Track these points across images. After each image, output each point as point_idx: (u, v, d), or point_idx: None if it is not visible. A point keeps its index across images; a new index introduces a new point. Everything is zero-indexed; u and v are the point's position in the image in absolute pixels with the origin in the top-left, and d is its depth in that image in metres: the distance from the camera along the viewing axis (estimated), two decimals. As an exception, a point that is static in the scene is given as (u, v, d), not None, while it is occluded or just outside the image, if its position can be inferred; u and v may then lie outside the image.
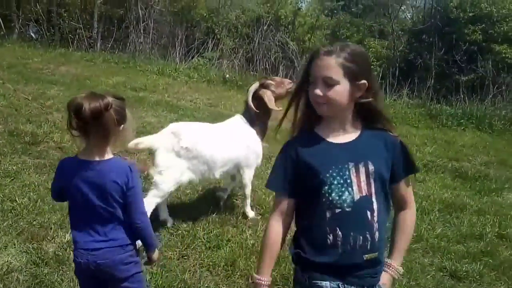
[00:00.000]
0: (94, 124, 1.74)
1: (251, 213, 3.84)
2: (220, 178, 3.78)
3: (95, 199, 1.82)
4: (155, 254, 2.01)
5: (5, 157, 4.37)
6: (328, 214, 1.52)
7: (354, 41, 11.23)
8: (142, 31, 11.74)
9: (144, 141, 3.28)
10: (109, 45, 11.90)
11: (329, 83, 1.49)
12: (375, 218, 1.51)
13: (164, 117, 6.43)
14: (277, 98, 3.66)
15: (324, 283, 1.54)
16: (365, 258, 1.51)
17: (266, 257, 1.63)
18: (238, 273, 3.01)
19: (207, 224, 3.59)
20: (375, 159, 1.53)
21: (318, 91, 1.50)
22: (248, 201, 3.83)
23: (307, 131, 1.60)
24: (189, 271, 2.96)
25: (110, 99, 1.76)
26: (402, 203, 1.63)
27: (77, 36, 11.68)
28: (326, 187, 1.51)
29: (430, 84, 9.14)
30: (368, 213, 1.50)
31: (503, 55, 10.28)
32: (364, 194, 1.51)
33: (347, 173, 1.51)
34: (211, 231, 3.49)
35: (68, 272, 2.74)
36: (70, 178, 1.83)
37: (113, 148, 1.90)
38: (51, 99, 6.57)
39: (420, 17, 11.80)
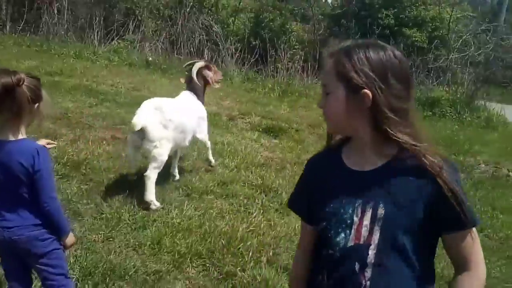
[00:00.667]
0: (6, 100, 1.73)
1: (213, 161, 4.65)
2: (189, 145, 4.26)
3: (3, 179, 1.82)
4: (68, 239, 2.02)
5: None
6: (323, 252, 1.30)
7: (277, 25, 11.50)
8: (56, 12, 11.08)
9: (136, 123, 3.53)
10: (20, 28, 11.11)
11: (326, 92, 1.27)
12: (367, 275, 1.20)
13: (83, 102, 6.21)
14: (211, 80, 4.38)
15: None
16: None
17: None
18: (164, 251, 3.09)
19: (132, 207, 3.60)
20: (391, 202, 1.20)
21: (320, 104, 1.30)
22: (210, 151, 4.58)
23: (334, 148, 1.36)
24: (114, 252, 2.99)
25: (22, 75, 1.76)
26: (458, 262, 1.23)
27: (-17, 18, 10.79)
28: (325, 223, 1.28)
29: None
30: (357, 265, 1.21)
31: (413, 38, 11.06)
32: (361, 242, 1.21)
33: (350, 211, 1.24)
34: (136, 213, 3.52)
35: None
36: None
37: (27, 128, 1.89)
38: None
39: (339, 1, 12.34)
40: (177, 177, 4.33)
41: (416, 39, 11.11)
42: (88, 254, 2.87)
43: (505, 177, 6.03)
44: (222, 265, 3.00)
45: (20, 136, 1.86)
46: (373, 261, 1.19)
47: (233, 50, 10.05)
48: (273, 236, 3.48)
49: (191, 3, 10.78)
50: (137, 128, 3.54)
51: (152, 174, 3.70)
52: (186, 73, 4.51)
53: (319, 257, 1.31)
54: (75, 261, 2.77)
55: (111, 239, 3.16)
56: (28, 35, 10.65)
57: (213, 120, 6.52)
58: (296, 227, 3.66)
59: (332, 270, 1.25)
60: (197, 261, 3.04)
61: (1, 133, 1.83)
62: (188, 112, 4.07)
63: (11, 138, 1.83)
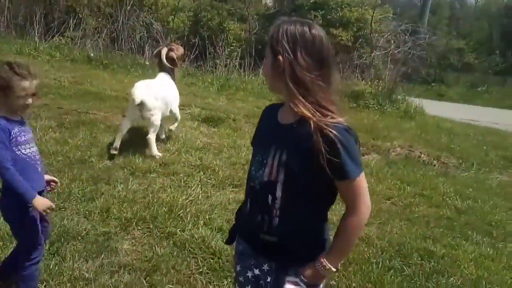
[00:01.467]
0: None
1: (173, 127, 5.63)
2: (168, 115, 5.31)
3: None
4: (36, 202, 2.21)
5: None
6: (248, 184, 1.65)
7: (215, 24, 12.06)
8: (-6, 9, 10.94)
9: (137, 98, 4.66)
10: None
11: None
12: (276, 205, 1.53)
13: (27, 95, 6.42)
14: (178, 58, 5.41)
15: (239, 245, 1.76)
16: (261, 237, 1.59)
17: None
18: (112, 217, 3.54)
19: (81, 183, 4.01)
20: (291, 151, 1.51)
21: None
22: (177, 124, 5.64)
23: (279, 103, 1.67)
24: (67, 218, 3.40)
25: None
26: (346, 204, 1.55)
27: None
28: (253, 160, 1.63)
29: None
30: (270, 197, 1.54)
31: (339, 37, 12.00)
32: (272, 179, 1.53)
33: (266, 154, 1.56)
34: (85, 188, 3.94)
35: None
36: None
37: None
38: None
39: (273, 3, 13.14)
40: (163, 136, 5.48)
41: (342, 38, 12.07)
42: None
43: (416, 158, 6.85)
44: (164, 227, 3.49)
45: None
46: (280, 195, 1.52)
47: (182, 50, 10.46)
48: (210, 205, 4.01)
49: (131, 2, 11.05)
50: (138, 101, 4.66)
51: (152, 136, 4.92)
52: (154, 58, 5.68)
53: (247, 187, 1.67)
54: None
55: (63, 208, 3.56)
56: (-37, 31, 10.47)
57: (155, 112, 6.96)
58: (230, 198, 4.23)
59: (253, 199, 1.62)
60: (142, 225, 3.51)
61: None
62: (167, 89, 5.18)
63: None
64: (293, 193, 1.52)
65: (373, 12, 11.56)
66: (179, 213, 3.73)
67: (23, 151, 2.24)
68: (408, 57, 10.78)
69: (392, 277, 3.20)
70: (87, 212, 3.57)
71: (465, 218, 4.53)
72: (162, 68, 5.32)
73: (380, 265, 3.32)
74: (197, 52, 10.76)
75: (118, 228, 3.42)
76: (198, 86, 9.54)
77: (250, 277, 1.70)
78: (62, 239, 3.13)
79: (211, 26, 11.65)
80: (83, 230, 3.29)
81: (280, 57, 1.48)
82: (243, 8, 12.16)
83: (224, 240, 3.19)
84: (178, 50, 5.49)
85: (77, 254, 2.99)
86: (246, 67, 10.47)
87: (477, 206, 4.89)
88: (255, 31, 11.75)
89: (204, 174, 4.73)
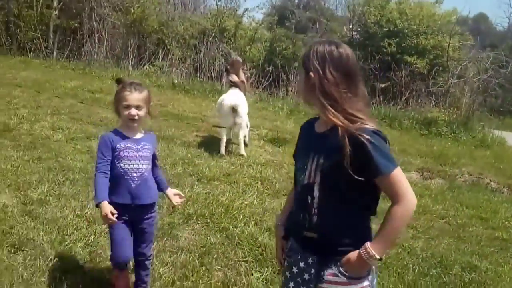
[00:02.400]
0: None
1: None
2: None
3: None
4: (100, 207, 2.34)
5: (-16, 141, 5.24)
6: (295, 189, 1.87)
7: (290, 53, 12.69)
8: (96, 42, 12.57)
9: (236, 105, 5.93)
10: (65, 55, 12.62)
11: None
12: (315, 204, 1.70)
13: (119, 113, 7.40)
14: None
15: (289, 242, 1.92)
16: (304, 234, 1.76)
17: (285, 205, 2.07)
18: (177, 212, 4.06)
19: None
20: (327, 155, 1.68)
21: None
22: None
23: (315, 117, 1.87)
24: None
25: None
26: (390, 197, 1.66)
27: (34, 46, 12.35)
28: (296, 168, 1.84)
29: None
30: (309, 198, 1.71)
31: (414, 65, 11.98)
32: (310, 181, 1.71)
33: (306, 160, 1.73)
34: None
35: (48, 208, 3.73)
36: None
37: None
38: (16, 98, 7.40)
39: (348, 32, 13.54)
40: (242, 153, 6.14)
41: (417, 65, 12.01)
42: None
43: (484, 185, 6.66)
44: (219, 223, 3.93)
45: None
46: (318, 194, 1.70)
47: (249, 74, 11.26)
48: (262, 209, 4.39)
49: (213, 34, 12.08)
50: (237, 107, 5.89)
51: (242, 137, 6.06)
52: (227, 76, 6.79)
53: (294, 193, 1.88)
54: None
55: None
56: (72, 60, 12.14)
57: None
58: (282, 204, 4.58)
59: (297, 201, 1.81)
60: (201, 220, 3.98)
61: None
62: (243, 101, 6.25)
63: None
64: (328, 193, 1.69)
65: (450, 39, 11.42)
66: (234, 213, 4.16)
67: (122, 165, 2.40)
68: (489, 85, 10.45)
69: (428, 282, 3.33)
70: (157, 207, 4.13)
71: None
72: (233, 85, 6.37)
73: (416, 271, 3.46)
74: (270, 79, 11.41)
75: (181, 221, 3.92)
76: (268, 110, 10.09)
77: (295, 272, 1.82)
78: (134, 225, 3.70)
79: (285, 55, 12.28)
80: (152, 219, 3.84)
81: (311, 74, 1.68)
82: (317, 37, 12.69)
83: (270, 238, 3.66)
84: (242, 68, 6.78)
85: (144, 236, 3.52)
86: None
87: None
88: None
89: (262, 184, 5.13)
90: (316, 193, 1.70)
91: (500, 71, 10.81)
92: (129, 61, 12.02)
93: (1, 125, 5.79)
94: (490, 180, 6.85)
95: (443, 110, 10.04)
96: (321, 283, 1.74)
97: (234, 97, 6.06)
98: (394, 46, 12.29)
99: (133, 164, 2.43)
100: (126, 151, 2.40)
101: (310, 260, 1.77)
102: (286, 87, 11.11)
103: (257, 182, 5.17)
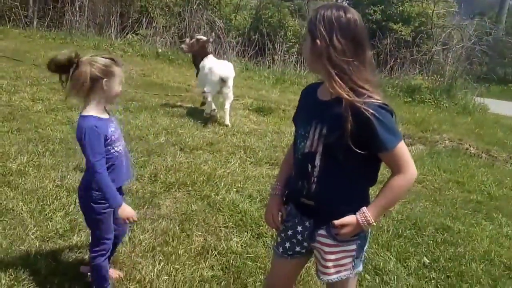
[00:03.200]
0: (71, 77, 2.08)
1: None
2: None
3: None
4: (121, 211, 2.19)
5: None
6: (294, 155, 1.82)
7: (276, 20, 12.54)
8: (77, 10, 12.27)
9: (231, 75, 6.17)
10: (45, 24, 12.33)
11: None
12: (315, 173, 1.70)
13: (100, 83, 7.33)
14: None
15: (288, 206, 1.92)
16: (301, 201, 1.78)
17: (281, 169, 2.01)
18: (159, 181, 4.11)
19: (136, 154, 4.65)
20: (330, 126, 1.65)
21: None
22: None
23: (319, 82, 1.80)
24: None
25: (73, 54, 2.11)
26: (391, 169, 1.67)
27: (13, 15, 12.02)
28: (296, 134, 1.79)
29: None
30: (309, 166, 1.71)
31: (399, 32, 11.94)
32: (312, 150, 1.69)
33: (308, 128, 1.71)
34: (139, 158, 4.56)
35: (28, 178, 3.74)
36: None
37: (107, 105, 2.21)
38: (-6, 68, 7.28)
39: (334, -1, 13.38)
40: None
41: (402, 33, 11.97)
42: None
43: (464, 150, 6.81)
44: (201, 191, 3.98)
45: (88, 112, 2.13)
46: (319, 163, 1.69)
47: (234, 43, 11.14)
48: (244, 177, 4.45)
49: (198, 1, 11.85)
50: (227, 80, 6.09)
51: (228, 107, 6.20)
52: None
53: (293, 159, 1.84)
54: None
55: (119, 172, 4.21)
56: (53, 30, 11.87)
57: (210, 101, 7.57)
58: (264, 173, 4.67)
59: (297, 168, 1.80)
60: (182, 188, 4.03)
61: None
62: (233, 73, 6.32)
63: (83, 113, 2.14)
64: (330, 163, 1.68)
65: (434, 6, 11.36)
66: (216, 181, 4.22)
67: (116, 148, 2.24)
68: (473, 53, 10.48)
69: (401, 243, 3.45)
70: (138, 176, 4.15)
71: (496, 203, 4.60)
72: (205, 54, 6.40)
73: (390, 232, 3.58)
74: (256, 48, 11.31)
75: (163, 189, 3.96)
76: (254, 79, 10.07)
77: (290, 234, 1.89)
78: (115, 194, 3.74)
79: (271, 23, 12.14)
80: (134, 188, 3.87)
81: (318, 41, 1.60)
82: (303, 4, 12.52)
83: (251, 205, 3.73)
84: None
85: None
86: (302, 62, 10.83)
87: (512, 194, 4.91)
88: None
89: (245, 153, 5.18)
90: (317, 162, 1.69)
91: (483, 39, 10.83)
92: (111, 30, 11.79)
93: (-21, 96, 5.72)
94: (469, 145, 6.99)
95: (426, 77, 10.09)
96: (313, 242, 1.81)
97: (224, 68, 6.12)
98: (379, 13, 12.20)
99: (121, 144, 2.29)
100: (114, 134, 2.23)
101: (307, 224, 1.82)
102: (272, 56, 11.04)
103: (240, 151, 5.22)
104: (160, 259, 2.88)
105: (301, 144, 1.73)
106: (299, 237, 1.86)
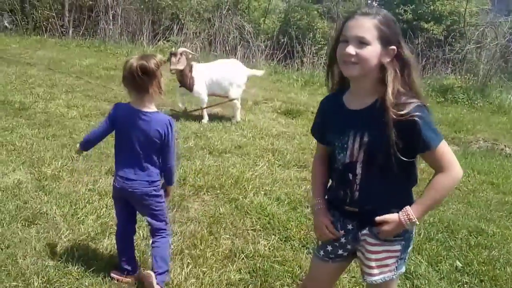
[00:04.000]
0: (146, 79, 2.25)
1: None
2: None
3: (142, 141, 2.34)
4: (172, 188, 2.63)
5: (1, 119, 5.41)
6: (333, 166, 1.82)
7: (304, 23, 12.50)
8: (111, 19, 12.62)
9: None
10: (81, 33, 12.75)
11: (362, 43, 1.57)
12: (357, 181, 1.71)
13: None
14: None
15: (330, 210, 1.89)
16: (345, 209, 1.80)
17: (313, 186, 1.97)
18: (188, 184, 4.16)
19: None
20: (373, 132, 1.64)
21: (351, 49, 1.57)
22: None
23: (340, 93, 1.78)
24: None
25: (158, 59, 2.29)
26: (435, 168, 1.67)
27: (49, 25, 12.49)
28: (333, 146, 1.78)
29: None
30: (350, 175, 1.72)
31: (431, 31, 11.68)
32: (353, 160, 1.70)
33: (346, 139, 1.70)
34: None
35: (62, 183, 3.87)
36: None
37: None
38: (32, 77, 7.58)
39: (362, 0, 13.21)
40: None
41: (434, 32, 11.70)
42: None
43: (499, 151, 6.61)
44: (229, 194, 4.02)
45: (153, 109, 2.35)
46: (360, 171, 1.70)
47: (263, 47, 11.19)
48: (273, 180, 4.47)
49: (227, 6, 11.98)
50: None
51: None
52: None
53: (331, 168, 1.84)
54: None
55: (150, 176, 4.30)
56: (88, 38, 12.27)
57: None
58: (292, 176, 4.66)
59: (338, 178, 1.81)
60: (211, 191, 4.07)
61: (141, 105, 2.34)
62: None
63: (148, 110, 2.33)
64: (371, 170, 1.68)
65: (467, 4, 11.06)
66: (244, 184, 4.24)
67: None
68: (507, 50, 10.13)
69: (433, 246, 3.37)
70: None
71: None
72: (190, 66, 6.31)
73: (422, 235, 3.51)
74: (285, 51, 11.31)
75: (191, 192, 4.02)
76: (283, 82, 10.07)
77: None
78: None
79: (300, 25, 12.13)
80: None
81: (394, 47, 1.59)
82: (332, 6, 12.46)
83: (279, 208, 3.74)
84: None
85: (155, 208, 3.64)
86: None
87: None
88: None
89: (273, 156, 5.20)
90: (358, 170, 1.71)
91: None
92: (143, 37, 12.07)
93: (17, 104, 5.97)
94: (504, 146, 6.82)
95: (459, 77, 9.82)
96: (357, 243, 1.83)
97: (240, 66, 6.62)
98: (410, 13, 11.98)
99: None
100: None
101: (349, 226, 1.82)
102: (301, 59, 11.02)
103: (269, 154, 5.24)
104: (188, 262, 2.92)
105: (340, 155, 1.74)
106: (342, 240, 1.86)
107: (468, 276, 3.07)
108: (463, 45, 10.83)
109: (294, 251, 3.22)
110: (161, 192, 2.51)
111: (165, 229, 2.61)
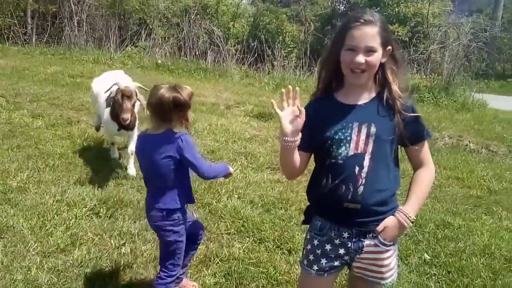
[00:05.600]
0: (175, 110, 2.18)
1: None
2: None
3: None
4: (230, 171, 2.55)
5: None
6: (326, 162, 1.74)
7: (274, 27, 12.62)
8: (76, 25, 12.37)
9: None
10: (44, 40, 12.45)
11: (370, 51, 1.62)
12: (363, 174, 1.67)
13: (100, 96, 7.39)
14: None
15: (316, 222, 1.84)
16: (344, 206, 1.71)
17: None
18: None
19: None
20: (380, 123, 1.67)
21: (361, 58, 1.62)
22: None
23: (327, 95, 1.79)
24: (122, 192, 4.04)
25: (190, 92, 2.23)
26: (417, 163, 1.75)
27: (11, 33, 12.15)
28: (329, 141, 1.71)
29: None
30: (357, 168, 1.68)
31: (396, 33, 11.98)
32: (359, 151, 1.68)
33: (349, 131, 1.69)
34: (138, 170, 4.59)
35: (28, 195, 3.77)
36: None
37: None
38: (-6, 87, 7.36)
39: (330, 3, 13.48)
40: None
41: (399, 33, 12.01)
42: (103, 192, 3.95)
43: (463, 146, 6.79)
44: (202, 199, 4.00)
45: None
46: (368, 164, 1.68)
47: (233, 51, 11.22)
48: (246, 183, 4.47)
49: (195, 11, 11.94)
50: None
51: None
52: None
53: (322, 166, 1.77)
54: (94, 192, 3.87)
55: (120, 184, 4.22)
56: (52, 46, 11.99)
57: (211, 109, 7.61)
58: (266, 178, 4.68)
59: (337, 173, 1.72)
60: (183, 197, 4.08)
61: (157, 131, 2.23)
62: None
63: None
64: (378, 161, 1.68)
65: (429, 6, 11.40)
66: (217, 188, 4.23)
67: None
68: (469, 50, 10.49)
69: (401, 241, 3.45)
70: (139, 187, 4.18)
71: (496, 197, 4.60)
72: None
73: (391, 231, 3.58)
74: (255, 55, 11.37)
75: (163, 199, 3.98)
76: (254, 86, 10.12)
77: (328, 249, 1.81)
78: (117, 206, 3.75)
79: (269, 29, 12.23)
80: (135, 200, 3.89)
81: (391, 47, 1.68)
82: (300, 10, 12.60)
83: (252, 210, 3.72)
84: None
85: (127, 216, 3.59)
86: (302, 66, 10.89)
87: (512, 188, 4.91)
88: (310, 31, 12.16)
89: (246, 159, 5.21)
90: (366, 162, 1.68)
91: (480, 36, 10.82)
92: (110, 43, 11.88)
93: (-21, 114, 5.78)
94: (469, 141, 6.98)
95: (424, 76, 10.10)
96: (359, 254, 1.78)
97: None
98: (376, 16, 12.22)
99: None
100: None
101: (346, 235, 1.77)
102: (272, 62, 11.10)
103: (241, 157, 5.25)
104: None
105: (341, 148, 1.70)
106: (341, 250, 1.79)
107: (436, 268, 3.17)
108: (427, 45, 11.14)
109: (268, 252, 3.23)
110: (180, 228, 2.36)
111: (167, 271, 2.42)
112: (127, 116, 3.89)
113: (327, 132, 1.72)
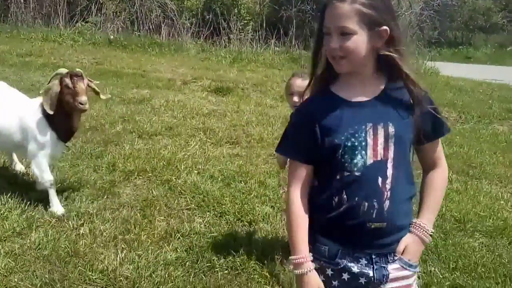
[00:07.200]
0: None
1: None
2: None
3: None
4: None
5: None
6: (337, 177, 1.41)
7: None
8: (22, 1, 11.72)
9: None
10: (-12, 18, 11.75)
11: (344, 33, 1.32)
12: (387, 186, 1.38)
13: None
14: None
15: (324, 248, 1.47)
16: (368, 227, 1.40)
17: (297, 234, 1.47)
18: (117, 170, 4.07)
19: (93, 145, 4.59)
20: (397, 121, 1.37)
21: (334, 44, 1.33)
22: None
23: (323, 91, 1.47)
24: (79, 172, 3.97)
25: None
26: (430, 164, 1.49)
27: (-49, 11, 11.39)
28: (340, 150, 1.39)
29: (292, 33, 10.76)
30: (380, 179, 1.38)
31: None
32: (379, 158, 1.37)
33: (363, 134, 1.37)
34: (96, 149, 4.51)
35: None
36: None
37: None
38: None
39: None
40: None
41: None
42: (58, 173, 3.86)
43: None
44: (161, 176, 3.99)
45: None
46: (392, 172, 1.37)
47: (188, 24, 10.99)
48: (205, 158, 4.49)
49: (148, -17, 11.56)
50: None
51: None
52: None
53: (331, 182, 1.42)
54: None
55: (76, 165, 4.14)
56: (-3, 24, 11.33)
57: (168, 85, 7.51)
58: (225, 153, 4.71)
59: (354, 189, 1.38)
60: (142, 175, 4.01)
61: None
62: None
63: None
64: (400, 167, 1.40)
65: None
66: (176, 164, 4.23)
67: None
68: (421, 18, 10.74)
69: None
70: (96, 167, 4.11)
71: (447, 161, 4.81)
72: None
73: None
74: (211, 28, 11.19)
75: (122, 178, 3.93)
76: (211, 60, 10.01)
77: (347, 278, 1.48)
78: (73, 187, 3.69)
79: (224, 1, 12.02)
80: (92, 179, 3.83)
81: (385, 27, 1.32)
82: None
83: (213, 185, 3.71)
84: None
85: (84, 197, 3.53)
86: (258, 39, 10.82)
87: (462, 151, 5.16)
88: (265, 2, 12.06)
89: (204, 134, 5.20)
90: (390, 171, 1.38)
91: (432, 4, 11.09)
92: (59, 20, 11.35)
93: None
94: (423, 108, 7.25)
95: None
96: (386, 282, 1.46)
97: None
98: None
99: None
100: None
101: (364, 261, 1.45)
102: (228, 35, 10.97)
103: (200, 133, 5.24)
104: (123, 247, 2.89)
105: (357, 157, 1.38)
106: (361, 280, 1.46)
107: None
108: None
109: (229, 225, 3.29)
110: None
111: None
112: (84, 98, 3.14)
113: (335, 139, 1.39)
